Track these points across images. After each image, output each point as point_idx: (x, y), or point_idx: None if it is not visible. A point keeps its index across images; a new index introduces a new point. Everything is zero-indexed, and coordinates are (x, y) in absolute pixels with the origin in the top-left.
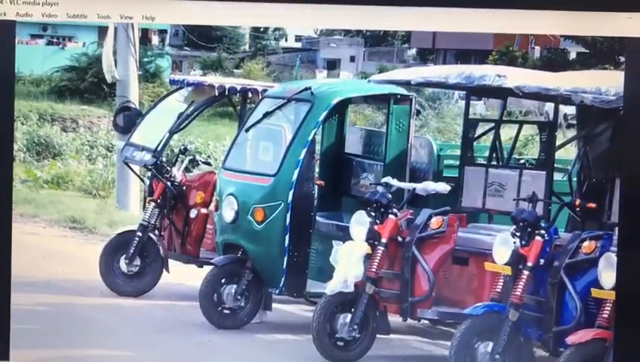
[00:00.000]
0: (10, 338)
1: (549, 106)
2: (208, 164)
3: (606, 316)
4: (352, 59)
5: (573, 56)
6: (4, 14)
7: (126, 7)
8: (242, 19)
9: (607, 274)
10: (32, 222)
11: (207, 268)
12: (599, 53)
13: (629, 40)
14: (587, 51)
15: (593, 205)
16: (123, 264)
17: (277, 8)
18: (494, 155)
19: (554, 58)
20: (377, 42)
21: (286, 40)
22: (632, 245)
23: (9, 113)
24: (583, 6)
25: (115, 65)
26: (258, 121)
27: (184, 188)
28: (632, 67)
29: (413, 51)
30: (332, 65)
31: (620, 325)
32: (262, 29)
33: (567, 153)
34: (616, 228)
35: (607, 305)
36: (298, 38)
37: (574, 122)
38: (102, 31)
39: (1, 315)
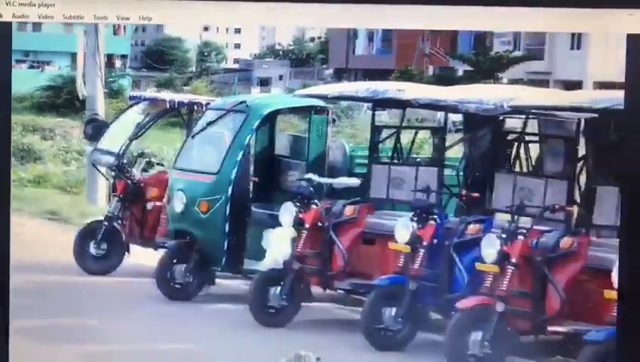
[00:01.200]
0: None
1: (441, 115)
2: (161, 165)
3: (488, 285)
4: (281, 77)
5: (460, 73)
6: (0, 16)
7: (122, 8)
8: (237, 19)
9: (488, 250)
10: (17, 215)
11: (161, 251)
12: (481, 70)
13: (630, 36)
14: (472, 69)
15: (476, 195)
16: (92, 248)
17: (272, 7)
18: (396, 155)
19: (444, 75)
20: (301, 63)
21: (226, 62)
22: (634, 247)
23: (6, 112)
24: (583, 3)
25: (85, 85)
26: (203, 129)
27: (142, 185)
28: (633, 64)
29: (330, 71)
30: (264, 83)
31: (624, 325)
32: (205, 53)
33: (455, 153)
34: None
35: (489, 276)
36: (236, 61)
37: (461, 127)
38: (74, 56)
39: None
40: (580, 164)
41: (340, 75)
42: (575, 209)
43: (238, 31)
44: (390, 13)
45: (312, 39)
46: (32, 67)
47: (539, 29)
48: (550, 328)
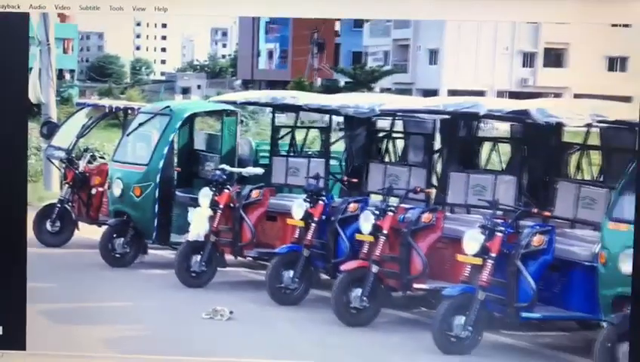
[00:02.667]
0: (26, 330)
1: (327, 117)
2: (103, 158)
3: (365, 252)
4: (199, 87)
5: (342, 84)
6: (18, 7)
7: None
8: (249, 9)
9: (365, 224)
10: None
11: (104, 227)
12: (359, 82)
13: None
14: (351, 80)
15: (355, 180)
16: (48, 225)
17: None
18: (292, 149)
19: (329, 85)
20: (215, 76)
21: (154, 75)
22: None
23: (23, 104)
24: None
25: (41, 93)
26: (135, 129)
27: (87, 174)
28: None
29: (239, 81)
30: (186, 91)
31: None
32: (137, 68)
33: (339, 147)
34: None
35: (366, 244)
36: (162, 73)
37: (342, 127)
38: (31, 70)
39: (18, 311)
40: (436, 155)
41: (246, 85)
42: (433, 191)
43: (164, 50)
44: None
45: (224, 56)
46: None
47: (559, 20)
48: (415, 285)
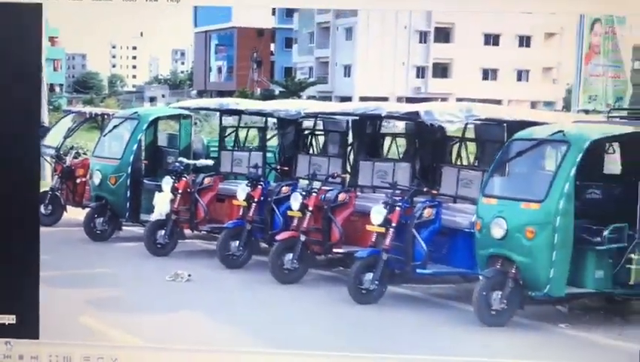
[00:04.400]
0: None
1: (264, 119)
2: (85, 154)
3: (295, 224)
4: (163, 96)
5: (277, 92)
6: None
7: None
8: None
9: (295, 203)
10: None
11: (87, 209)
12: (290, 91)
13: None
14: (284, 90)
15: (287, 168)
16: (42, 209)
17: None
18: (236, 145)
19: (267, 94)
20: (176, 87)
21: (127, 87)
22: None
23: (37, 94)
24: None
25: None
26: (110, 130)
27: (73, 167)
28: None
29: (194, 91)
30: (152, 100)
31: None
32: (113, 81)
33: (273, 142)
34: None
35: (295, 219)
36: (134, 86)
37: (276, 126)
38: None
39: (32, 303)
40: (349, 148)
41: (201, 94)
42: (347, 176)
43: (134, 67)
44: None
45: (182, 72)
46: None
47: (588, 11)
48: (334, 250)
